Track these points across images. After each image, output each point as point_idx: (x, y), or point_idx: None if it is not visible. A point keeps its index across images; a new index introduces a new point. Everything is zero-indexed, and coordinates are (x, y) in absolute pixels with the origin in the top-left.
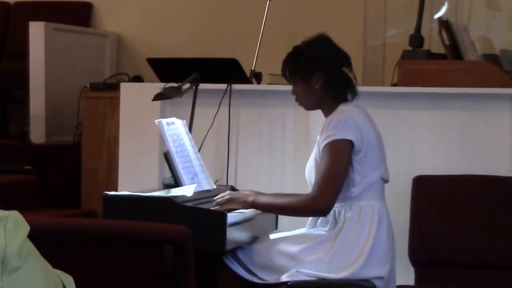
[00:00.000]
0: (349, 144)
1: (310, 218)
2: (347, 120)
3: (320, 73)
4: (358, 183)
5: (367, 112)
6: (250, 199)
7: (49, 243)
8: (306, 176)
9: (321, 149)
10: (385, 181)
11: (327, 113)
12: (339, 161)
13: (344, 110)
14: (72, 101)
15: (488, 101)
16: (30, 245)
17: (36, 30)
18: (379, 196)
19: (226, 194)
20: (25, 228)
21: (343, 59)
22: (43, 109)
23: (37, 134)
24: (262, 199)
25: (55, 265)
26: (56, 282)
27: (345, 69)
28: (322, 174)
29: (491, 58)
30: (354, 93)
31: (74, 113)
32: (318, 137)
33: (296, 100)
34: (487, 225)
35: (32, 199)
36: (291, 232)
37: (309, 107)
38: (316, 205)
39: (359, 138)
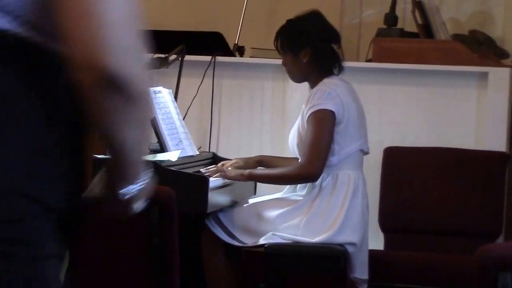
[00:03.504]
0: (332, 114)
1: None
2: (331, 93)
3: (308, 47)
4: (337, 153)
5: (351, 87)
6: (247, 171)
7: None
8: (289, 142)
9: (305, 118)
10: (365, 153)
11: (313, 85)
12: (323, 129)
13: (328, 83)
14: None
15: (457, 78)
16: None
17: None
18: (357, 167)
19: (219, 166)
20: None
21: (332, 35)
22: None
23: None
24: (258, 171)
25: None
26: None
27: (333, 45)
28: (309, 143)
29: (461, 38)
30: (340, 68)
31: None
32: (303, 106)
33: (287, 71)
34: (452, 194)
35: None
36: (270, 196)
37: (297, 79)
38: (305, 172)
39: (341, 110)
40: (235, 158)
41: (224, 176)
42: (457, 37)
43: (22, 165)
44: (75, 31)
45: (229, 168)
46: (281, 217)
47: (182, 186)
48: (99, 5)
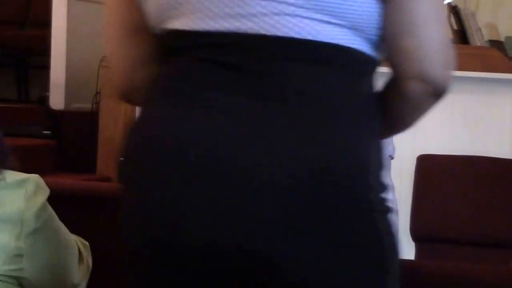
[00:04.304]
0: None
1: None
2: None
3: None
4: None
5: None
6: None
7: (65, 206)
8: None
9: None
10: (391, 158)
11: None
12: None
13: None
14: (91, 69)
15: (493, 86)
16: (49, 209)
17: (59, 0)
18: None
19: None
20: (45, 192)
21: None
22: (63, 76)
23: (57, 100)
24: None
25: (70, 228)
26: (72, 246)
27: None
28: None
29: (497, 45)
30: None
31: (93, 81)
32: None
33: None
34: (486, 203)
35: (50, 163)
36: None
37: None
38: None
39: None
40: None
41: None
42: (493, 43)
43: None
44: (415, 51)
45: None
46: None
47: None
48: (433, 28)
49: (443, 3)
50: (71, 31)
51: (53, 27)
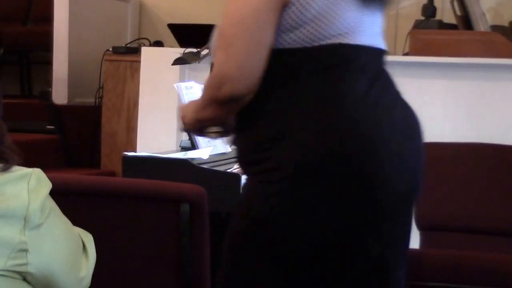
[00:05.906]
0: None
1: None
2: None
3: None
4: None
5: None
6: None
7: (69, 201)
8: None
9: None
10: None
11: None
12: None
13: None
14: (94, 64)
15: (497, 72)
16: (52, 202)
17: None
18: None
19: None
20: (48, 185)
21: None
22: (65, 71)
23: (59, 95)
24: None
25: (75, 223)
26: (76, 239)
27: None
28: None
29: (501, 29)
30: None
31: (96, 76)
32: None
33: None
34: (492, 192)
35: (53, 158)
36: None
37: None
38: None
39: None
40: None
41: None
42: (497, 28)
43: None
44: None
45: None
46: None
47: (213, 185)
48: None
49: None
50: (73, 26)
51: (55, 22)
